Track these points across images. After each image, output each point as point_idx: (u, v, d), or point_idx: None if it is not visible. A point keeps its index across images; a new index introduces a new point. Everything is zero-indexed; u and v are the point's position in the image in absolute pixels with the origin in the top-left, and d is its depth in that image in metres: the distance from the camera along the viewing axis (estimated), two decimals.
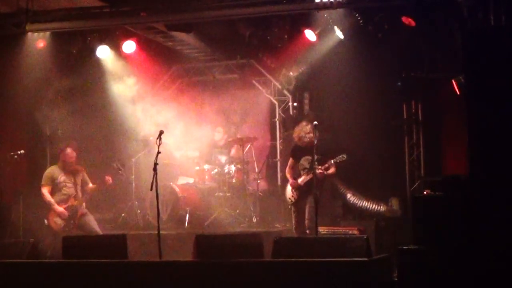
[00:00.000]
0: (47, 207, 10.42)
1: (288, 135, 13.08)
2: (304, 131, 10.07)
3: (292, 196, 10.21)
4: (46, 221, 10.47)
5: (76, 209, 10.43)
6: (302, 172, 10.08)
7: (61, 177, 10.50)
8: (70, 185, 10.52)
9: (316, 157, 9.69)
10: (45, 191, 10.44)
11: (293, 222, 10.28)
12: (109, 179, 10.61)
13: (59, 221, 10.39)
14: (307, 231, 9.93)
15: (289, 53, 12.38)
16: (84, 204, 10.57)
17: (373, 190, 12.04)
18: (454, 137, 11.52)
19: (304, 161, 10.07)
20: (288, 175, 10.36)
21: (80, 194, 10.53)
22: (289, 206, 10.42)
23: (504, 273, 6.46)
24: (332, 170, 9.96)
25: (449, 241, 6.81)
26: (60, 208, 10.37)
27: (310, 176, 9.86)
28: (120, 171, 10.93)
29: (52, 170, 10.60)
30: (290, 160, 10.40)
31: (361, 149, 11.38)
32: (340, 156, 9.84)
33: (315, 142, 9.70)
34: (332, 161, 9.87)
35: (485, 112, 7.03)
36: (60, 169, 10.56)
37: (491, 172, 6.92)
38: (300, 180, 10.09)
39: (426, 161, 12.08)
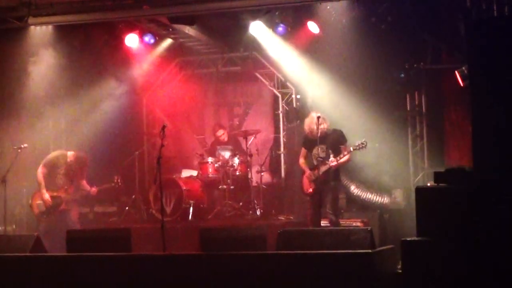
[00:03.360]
0: (36, 187, 10.51)
1: (291, 127, 13.08)
2: (315, 122, 9.86)
3: (310, 187, 10.03)
4: (30, 200, 10.55)
5: (61, 202, 10.46)
6: (316, 162, 9.88)
7: (62, 170, 10.53)
8: (64, 177, 10.54)
9: (326, 147, 9.71)
10: (40, 170, 10.50)
11: (309, 213, 10.14)
12: (94, 190, 10.70)
13: (41, 205, 10.44)
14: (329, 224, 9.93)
15: (292, 45, 12.35)
16: (72, 199, 10.60)
17: (377, 182, 12.02)
18: (457, 128, 11.50)
19: (318, 150, 9.90)
20: (303, 166, 10.21)
21: (71, 189, 10.54)
22: (308, 198, 10.23)
23: (509, 264, 6.46)
24: (346, 158, 9.89)
25: (453, 232, 6.80)
26: (46, 195, 10.41)
27: (327, 166, 9.80)
28: (117, 185, 11.02)
29: (58, 158, 10.62)
30: (302, 150, 10.27)
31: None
32: (360, 143, 9.78)
33: (326, 131, 9.74)
34: (351, 149, 9.80)
35: (488, 103, 7.00)
36: (65, 163, 10.56)
37: (495, 164, 6.90)
38: (317, 171, 9.86)
39: (430, 153, 12.05)
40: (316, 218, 9.96)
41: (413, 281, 6.82)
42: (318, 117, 9.79)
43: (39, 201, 10.49)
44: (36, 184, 10.64)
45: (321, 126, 9.83)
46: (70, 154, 10.62)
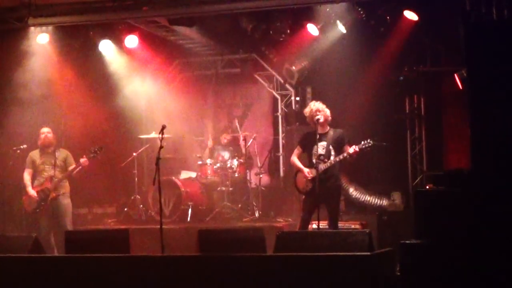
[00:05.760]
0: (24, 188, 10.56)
1: (290, 129, 13.10)
2: (316, 108, 9.28)
3: (307, 186, 9.38)
4: (23, 202, 10.60)
5: (49, 191, 10.42)
6: (317, 161, 9.13)
7: (40, 159, 10.57)
8: (48, 167, 10.54)
9: (327, 144, 9.23)
10: (26, 173, 10.57)
11: (301, 216, 9.54)
12: (85, 161, 10.44)
13: (32, 203, 10.44)
14: None
15: (292, 47, 12.36)
16: (65, 188, 10.54)
17: (375, 184, 12.04)
18: (456, 131, 11.50)
19: (319, 148, 9.15)
20: (297, 164, 9.47)
21: (59, 176, 10.48)
22: (303, 196, 9.62)
23: (507, 268, 6.46)
24: (341, 157, 9.22)
25: (451, 235, 6.80)
26: (31, 191, 10.46)
27: (327, 164, 9.18)
28: (96, 154, 10.57)
29: (32, 154, 10.67)
30: (298, 148, 9.57)
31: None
32: (366, 142, 9.21)
33: (330, 118, 9.30)
34: (357, 148, 9.14)
35: (487, 106, 7.01)
36: (40, 152, 10.62)
37: (494, 166, 6.91)
38: (319, 168, 9.10)
39: (429, 156, 12.08)
40: (304, 221, 9.46)
41: (412, 284, 6.82)
42: (318, 110, 9.27)
43: (29, 200, 10.50)
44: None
45: (323, 112, 9.28)
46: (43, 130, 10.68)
